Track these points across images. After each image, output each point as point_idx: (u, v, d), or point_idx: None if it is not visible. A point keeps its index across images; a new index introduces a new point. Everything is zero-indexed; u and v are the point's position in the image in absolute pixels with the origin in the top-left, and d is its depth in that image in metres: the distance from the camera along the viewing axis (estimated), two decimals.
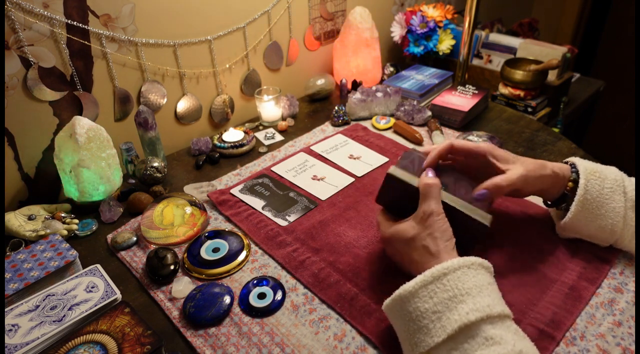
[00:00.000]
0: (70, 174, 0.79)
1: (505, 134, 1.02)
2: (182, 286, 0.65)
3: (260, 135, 1.06)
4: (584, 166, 0.65)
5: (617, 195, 0.63)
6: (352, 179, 0.88)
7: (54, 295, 0.62)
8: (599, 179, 0.63)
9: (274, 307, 0.62)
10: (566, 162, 0.69)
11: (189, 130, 1.06)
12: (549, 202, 0.71)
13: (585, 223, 0.64)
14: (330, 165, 0.93)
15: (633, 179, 0.66)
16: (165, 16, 0.91)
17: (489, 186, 0.62)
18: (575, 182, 0.65)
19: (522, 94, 1.28)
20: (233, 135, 1.00)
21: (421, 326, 0.49)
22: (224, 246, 0.71)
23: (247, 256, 0.71)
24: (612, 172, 0.65)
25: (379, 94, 1.09)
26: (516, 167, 0.63)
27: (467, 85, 1.13)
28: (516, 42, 1.37)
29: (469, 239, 0.61)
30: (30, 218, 0.77)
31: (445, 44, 1.35)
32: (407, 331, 0.50)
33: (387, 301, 0.53)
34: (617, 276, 0.64)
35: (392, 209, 0.65)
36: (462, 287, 0.49)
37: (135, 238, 0.75)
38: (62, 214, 0.80)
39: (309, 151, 0.97)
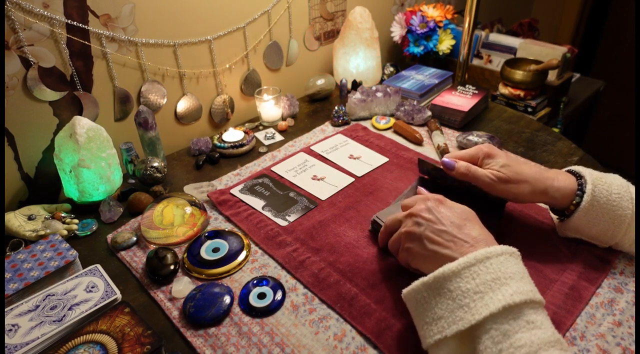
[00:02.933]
0: (70, 174, 0.79)
1: (505, 134, 1.02)
2: (182, 286, 0.65)
3: (260, 135, 1.06)
4: (589, 172, 0.65)
5: (624, 201, 0.62)
6: (352, 179, 0.88)
7: (54, 295, 0.62)
8: (606, 184, 0.63)
9: (274, 307, 0.62)
10: (574, 173, 0.67)
11: (189, 130, 1.06)
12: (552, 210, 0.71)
13: (588, 226, 0.64)
14: (330, 165, 0.93)
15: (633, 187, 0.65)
16: (165, 16, 0.91)
17: (460, 162, 0.67)
18: (578, 205, 0.64)
19: (522, 94, 1.28)
20: (233, 135, 1.00)
21: (462, 304, 0.49)
22: (224, 246, 0.71)
23: (247, 256, 0.71)
24: (617, 179, 0.65)
25: (379, 94, 1.09)
26: (494, 170, 0.66)
27: (467, 85, 1.13)
28: (516, 42, 1.37)
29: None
30: (30, 218, 0.77)
31: (445, 44, 1.35)
32: (446, 309, 0.49)
33: (427, 278, 0.52)
34: (617, 276, 0.64)
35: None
36: (505, 271, 0.49)
37: (135, 238, 0.75)
38: (62, 214, 0.80)
39: (309, 151, 0.97)
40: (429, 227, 0.57)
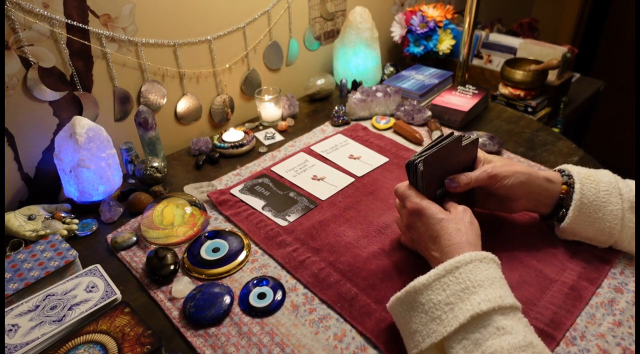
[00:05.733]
0: (70, 174, 0.79)
1: (505, 134, 1.02)
2: (182, 286, 0.65)
3: (260, 135, 1.06)
4: (577, 170, 0.66)
5: (613, 197, 0.63)
6: (352, 179, 0.88)
7: (54, 295, 0.62)
8: (594, 183, 0.63)
9: (274, 307, 0.62)
10: (560, 171, 0.69)
11: (189, 130, 1.06)
12: (545, 216, 0.71)
13: (584, 227, 0.64)
14: (330, 165, 0.93)
15: (628, 181, 0.65)
16: (165, 16, 0.91)
17: (458, 177, 0.65)
18: (569, 185, 0.65)
19: (522, 94, 1.28)
20: (233, 135, 1.00)
21: (434, 317, 0.50)
22: (224, 246, 0.71)
23: (247, 256, 0.71)
24: (605, 175, 0.65)
25: (379, 94, 1.09)
26: (485, 167, 0.66)
27: (467, 85, 1.13)
28: (516, 42, 1.37)
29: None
30: (30, 218, 0.77)
31: (445, 44, 1.35)
32: (420, 322, 0.51)
33: (400, 293, 0.53)
34: (617, 276, 0.64)
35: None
36: (474, 279, 0.50)
37: (135, 238, 0.75)
38: (62, 214, 0.80)
39: (309, 151, 0.97)
40: (428, 230, 0.60)
